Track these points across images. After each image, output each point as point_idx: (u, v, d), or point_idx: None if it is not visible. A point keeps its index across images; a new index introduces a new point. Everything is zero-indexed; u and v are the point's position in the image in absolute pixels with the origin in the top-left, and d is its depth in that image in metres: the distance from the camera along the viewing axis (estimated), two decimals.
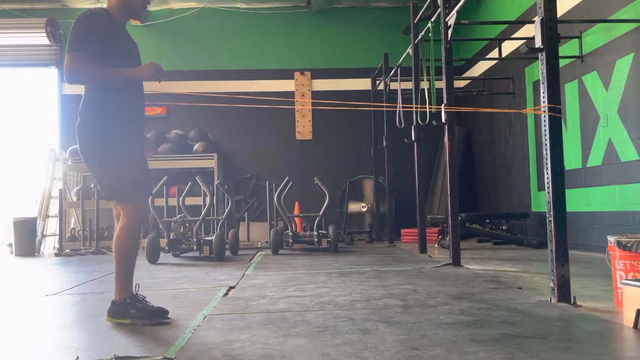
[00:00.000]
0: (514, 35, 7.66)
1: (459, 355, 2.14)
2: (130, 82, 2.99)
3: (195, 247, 6.64)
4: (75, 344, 2.56)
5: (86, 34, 2.86)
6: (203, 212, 6.96)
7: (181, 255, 6.91)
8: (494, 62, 8.69)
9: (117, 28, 3.02)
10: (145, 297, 3.02)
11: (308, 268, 5.37)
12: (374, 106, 9.22)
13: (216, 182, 8.19)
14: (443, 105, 5.22)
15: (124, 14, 3.08)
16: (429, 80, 5.92)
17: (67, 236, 8.88)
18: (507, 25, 8.04)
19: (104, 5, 3.16)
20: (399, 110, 7.46)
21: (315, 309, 3.16)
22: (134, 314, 2.88)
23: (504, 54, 7.59)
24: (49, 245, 9.30)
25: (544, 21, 3.19)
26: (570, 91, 6.61)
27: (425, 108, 5.92)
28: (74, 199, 9.22)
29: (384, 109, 8.35)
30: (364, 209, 9.79)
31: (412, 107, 6.53)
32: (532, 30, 3.36)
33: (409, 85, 6.88)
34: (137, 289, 2.99)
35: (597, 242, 6.04)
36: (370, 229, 9.19)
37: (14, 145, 10.54)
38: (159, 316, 2.92)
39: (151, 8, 10.31)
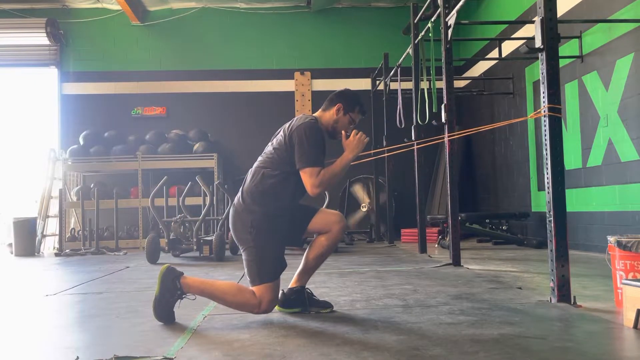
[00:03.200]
0: (514, 35, 7.66)
1: (459, 355, 2.14)
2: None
3: (195, 247, 6.64)
4: (75, 344, 2.56)
5: (319, 148, 3.05)
6: (203, 212, 6.95)
7: (181, 255, 6.91)
8: (494, 62, 8.69)
9: (325, 140, 3.18)
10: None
11: None
12: (374, 106, 9.23)
13: (216, 182, 8.19)
14: (443, 105, 5.22)
15: (326, 129, 3.24)
16: (429, 80, 5.92)
17: (67, 236, 8.88)
18: (507, 25, 8.04)
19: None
20: (399, 110, 7.46)
21: None
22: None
23: (504, 54, 7.59)
24: (49, 245, 9.30)
25: (544, 21, 3.19)
26: (570, 91, 6.61)
27: (425, 108, 5.92)
28: (74, 199, 9.23)
29: (384, 109, 8.34)
30: (364, 209, 9.79)
31: (411, 108, 6.53)
32: (532, 30, 3.36)
33: (409, 85, 6.88)
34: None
35: (597, 242, 6.04)
36: (370, 229, 9.19)
37: (14, 145, 10.55)
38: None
39: (151, 8, 10.32)
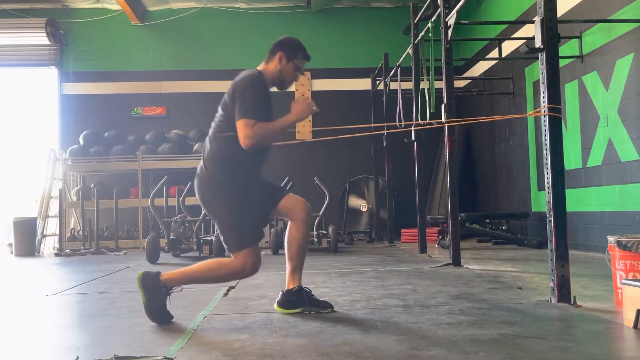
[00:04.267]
0: (514, 35, 7.66)
1: (459, 355, 2.14)
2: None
3: (195, 247, 6.64)
4: (75, 344, 2.56)
5: (256, 99, 2.95)
6: (203, 212, 6.94)
7: (181, 255, 6.91)
8: (494, 62, 8.69)
9: (269, 93, 3.11)
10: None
11: (308, 268, 5.35)
12: (374, 106, 9.23)
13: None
14: (443, 105, 5.22)
15: (273, 82, 3.17)
16: (429, 80, 5.92)
17: (67, 236, 8.88)
18: (507, 25, 8.04)
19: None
20: (399, 110, 7.46)
21: None
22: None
23: (504, 54, 7.58)
24: (49, 245, 9.30)
25: (544, 21, 3.19)
26: (570, 91, 6.61)
27: (426, 109, 5.92)
28: (74, 199, 9.23)
29: (384, 109, 8.35)
30: (364, 209, 9.79)
31: (411, 108, 6.53)
32: (532, 30, 3.36)
33: (409, 85, 6.87)
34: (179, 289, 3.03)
35: (597, 242, 6.04)
36: (370, 229, 9.19)
37: (14, 146, 10.55)
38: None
39: (151, 8, 10.32)
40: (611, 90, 5.85)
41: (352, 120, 10.05)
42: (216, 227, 3.03)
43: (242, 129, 2.87)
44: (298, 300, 3.07)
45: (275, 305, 3.11)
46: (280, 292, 3.10)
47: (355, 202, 9.83)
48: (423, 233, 6.63)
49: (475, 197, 9.97)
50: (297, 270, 3.11)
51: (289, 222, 3.11)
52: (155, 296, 2.89)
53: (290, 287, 3.09)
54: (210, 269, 2.97)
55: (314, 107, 3.07)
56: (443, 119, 5.22)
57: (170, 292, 2.93)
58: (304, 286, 3.12)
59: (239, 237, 2.94)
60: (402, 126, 7.40)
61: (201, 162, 3.03)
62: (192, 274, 2.97)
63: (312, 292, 3.16)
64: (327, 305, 3.11)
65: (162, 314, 2.92)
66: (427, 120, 6.08)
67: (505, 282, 4.06)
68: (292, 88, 10.32)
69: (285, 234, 3.14)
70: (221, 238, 3.00)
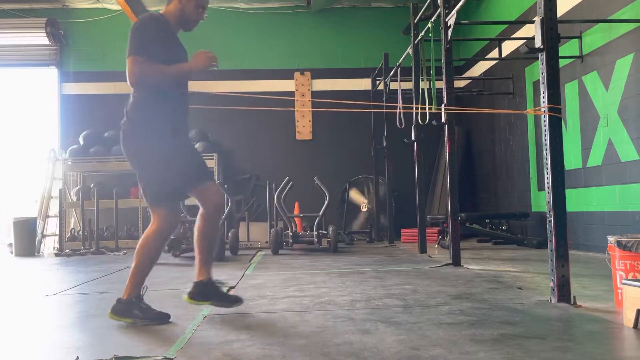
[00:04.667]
0: (514, 35, 7.66)
1: (459, 355, 2.14)
2: (178, 82, 3.06)
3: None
4: (75, 344, 2.56)
5: (147, 37, 2.92)
6: None
7: (181, 255, 6.90)
8: (494, 62, 8.69)
9: (170, 35, 3.08)
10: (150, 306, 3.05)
11: (308, 268, 5.37)
12: (374, 106, 9.23)
13: (216, 182, 8.18)
14: (443, 105, 5.22)
15: (177, 23, 3.14)
16: (429, 80, 5.92)
17: (67, 236, 8.88)
18: (507, 25, 8.04)
19: (155, 10, 3.20)
20: (399, 110, 7.46)
21: (315, 309, 3.16)
22: (137, 315, 2.90)
23: (504, 54, 7.59)
24: (49, 245, 9.29)
25: (544, 21, 3.19)
26: (570, 91, 6.61)
27: (425, 108, 5.92)
28: (74, 199, 9.23)
29: (384, 109, 8.35)
30: (364, 209, 9.79)
31: (411, 108, 6.53)
32: (532, 30, 3.36)
33: (409, 85, 6.88)
34: (144, 290, 3.00)
35: (597, 242, 6.04)
36: (370, 229, 9.19)
37: (14, 145, 10.55)
38: (161, 319, 2.93)
39: (151, 8, 10.31)
40: (611, 90, 5.85)
41: (352, 120, 10.10)
42: (139, 181, 3.01)
43: (128, 66, 2.87)
44: (207, 293, 3.03)
45: (185, 296, 3.09)
46: (192, 284, 3.08)
47: (356, 197, 9.84)
48: (423, 233, 6.63)
49: (475, 197, 9.97)
50: (205, 262, 3.07)
51: (199, 210, 3.07)
52: (133, 312, 2.89)
53: (199, 279, 3.05)
54: (141, 250, 2.95)
55: (214, 62, 3.01)
56: (443, 119, 5.23)
57: (141, 297, 2.94)
58: (215, 279, 3.08)
59: (158, 191, 2.93)
60: (402, 126, 7.40)
61: (124, 116, 2.99)
62: (135, 268, 2.95)
63: (221, 286, 3.12)
64: (237, 300, 3.08)
65: (156, 316, 2.92)
66: (428, 121, 6.08)
67: (505, 282, 4.06)
68: (292, 88, 10.45)
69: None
70: (141, 190, 3.01)
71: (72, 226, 9.55)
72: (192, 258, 6.86)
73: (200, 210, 3.07)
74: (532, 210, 7.72)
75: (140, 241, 2.99)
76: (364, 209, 9.79)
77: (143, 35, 2.93)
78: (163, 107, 2.96)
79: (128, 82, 2.88)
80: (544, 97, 3.22)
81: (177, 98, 3.06)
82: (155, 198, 2.96)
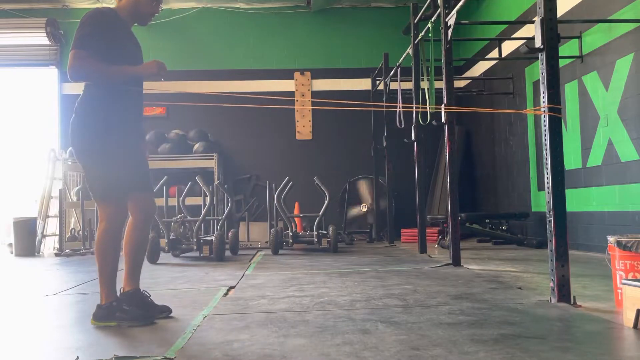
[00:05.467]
0: (514, 35, 7.66)
1: (459, 355, 2.14)
2: (130, 80, 2.97)
3: (195, 247, 6.64)
4: (75, 344, 2.56)
5: (91, 32, 2.87)
6: (203, 212, 6.95)
7: (181, 255, 6.91)
8: (494, 62, 8.69)
9: (122, 29, 3.02)
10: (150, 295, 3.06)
11: (308, 268, 5.37)
12: (374, 106, 9.24)
13: (216, 182, 8.19)
14: (443, 105, 5.22)
15: (131, 17, 3.08)
16: (429, 80, 5.92)
17: (67, 236, 8.88)
18: (507, 25, 8.04)
19: (111, 5, 3.17)
20: (399, 110, 7.46)
21: (315, 309, 3.16)
22: (120, 317, 2.87)
23: (504, 54, 7.59)
24: (49, 245, 9.29)
25: (544, 21, 3.19)
26: (570, 91, 6.61)
27: (426, 108, 5.92)
28: (74, 199, 9.22)
29: (384, 109, 8.36)
30: (364, 209, 9.79)
31: (412, 108, 6.53)
32: (532, 30, 3.36)
33: (409, 85, 6.88)
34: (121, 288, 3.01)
35: (597, 242, 6.04)
36: (370, 229, 9.19)
37: (14, 146, 10.55)
38: (146, 319, 2.91)
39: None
40: (611, 90, 5.85)
41: (352, 120, 10.10)
42: (86, 177, 3.01)
43: (69, 60, 2.83)
44: (134, 303, 2.94)
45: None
46: (119, 291, 3.00)
47: (356, 197, 9.84)
48: (423, 233, 6.63)
49: (475, 197, 9.97)
50: (133, 272, 3.02)
51: (129, 220, 3.04)
52: (115, 315, 2.88)
53: (126, 290, 2.99)
54: (97, 252, 2.94)
55: (163, 72, 2.94)
56: (443, 119, 5.23)
57: (121, 299, 2.93)
58: (142, 289, 3.04)
59: (105, 186, 2.90)
60: (402, 126, 7.40)
61: (74, 110, 2.96)
62: (100, 271, 2.93)
63: (150, 297, 3.07)
64: (165, 310, 3.03)
65: (137, 316, 2.89)
66: (428, 121, 6.08)
67: (505, 282, 4.06)
68: (292, 88, 10.46)
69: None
70: (88, 187, 3.00)
71: (72, 226, 9.55)
72: (192, 258, 6.89)
73: (131, 220, 3.02)
74: (532, 210, 7.72)
75: (95, 244, 2.97)
76: (364, 209, 9.79)
77: (88, 29, 2.86)
78: (113, 104, 2.91)
79: (68, 75, 2.84)
80: (544, 97, 3.22)
81: (129, 96, 2.99)
82: (101, 194, 2.91)
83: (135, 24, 3.16)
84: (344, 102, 8.66)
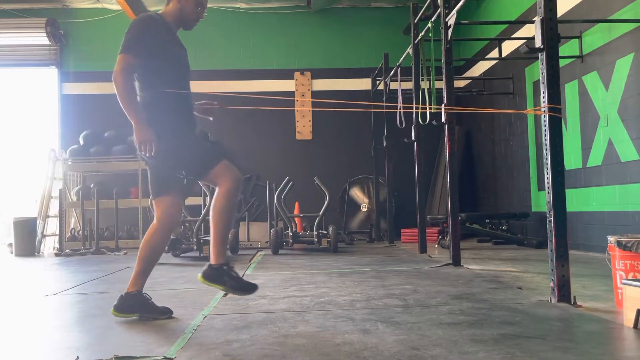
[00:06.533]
0: (514, 35, 7.66)
1: (459, 355, 2.14)
2: (179, 84, 3.07)
3: (195, 247, 6.64)
4: (75, 344, 2.56)
5: (138, 36, 2.94)
6: (203, 212, 6.95)
7: (181, 255, 6.91)
8: (494, 62, 8.69)
9: (169, 34, 3.09)
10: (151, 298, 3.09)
11: (308, 268, 5.37)
12: (374, 106, 9.24)
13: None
14: (443, 105, 5.22)
15: (176, 22, 3.15)
16: (429, 80, 5.92)
17: (67, 236, 8.88)
18: (507, 25, 8.04)
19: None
20: (399, 110, 7.46)
21: (315, 309, 3.16)
22: (143, 309, 2.97)
23: (504, 54, 7.59)
24: (49, 245, 9.30)
25: (544, 21, 3.19)
26: (570, 91, 6.61)
27: (426, 108, 5.92)
28: (74, 199, 9.23)
29: (384, 109, 8.36)
30: (364, 209, 9.79)
31: (411, 108, 6.53)
32: (532, 30, 3.37)
33: (409, 85, 6.88)
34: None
35: (597, 242, 6.04)
36: (370, 229, 9.19)
37: (14, 146, 10.55)
38: (166, 313, 3.02)
39: (151, 8, 10.31)
40: (611, 90, 5.85)
41: (352, 120, 10.10)
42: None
43: (117, 63, 2.91)
44: (222, 278, 2.96)
45: (199, 275, 3.01)
46: (208, 264, 3.02)
47: (356, 197, 9.84)
48: (423, 233, 6.63)
49: (475, 197, 9.97)
50: (220, 245, 3.02)
51: (216, 191, 3.04)
52: (135, 308, 2.97)
53: (214, 262, 2.99)
54: (143, 244, 3.02)
55: (142, 149, 2.90)
56: (443, 119, 5.23)
57: (145, 294, 3.02)
58: (230, 264, 3.03)
59: (160, 184, 3.00)
60: (402, 126, 7.40)
61: None
62: (138, 262, 3.03)
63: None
64: (250, 287, 3.05)
65: (162, 311, 3.01)
66: (428, 121, 6.08)
67: (505, 282, 4.06)
68: (292, 88, 10.46)
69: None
70: (149, 184, 3.09)
71: (72, 226, 9.56)
72: (192, 258, 6.89)
73: (217, 189, 3.02)
74: (532, 210, 7.72)
75: (144, 237, 3.06)
76: (364, 209, 9.79)
77: (135, 33, 2.95)
78: (166, 105, 3.00)
79: (112, 76, 2.92)
80: (544, 97, 3.22)
81: (180, 96, 3.07)
82: (157, 188, 3.02)
83: (181, 29, 3.21)
84: (344, 102, 8.67)
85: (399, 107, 7.44)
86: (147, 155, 2.93)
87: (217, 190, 3.02)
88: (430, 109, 5.81)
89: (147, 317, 2.97)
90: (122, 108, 2.92)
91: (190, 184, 3.12)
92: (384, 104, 8.60)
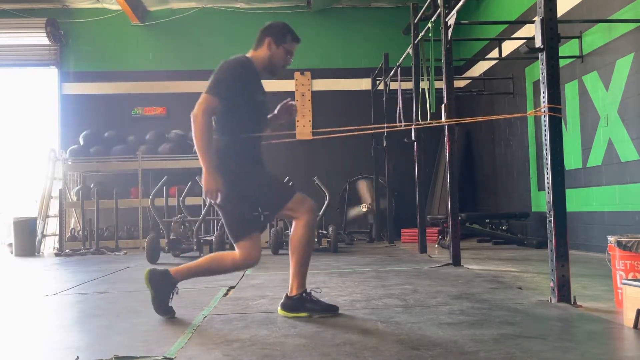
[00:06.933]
0: (514, 35, 7.66)
1: (459, 355, 2.14)
2: (258, 127, 3.08)
3: (195, 247, 6.64)
4: (75, 344, 2.56)
5: (228, 81, 2.93)
6: (203, 212, 6.95)
7: (181, 255, 6.91)
8: (494, 62, 8.69)
9: (257, 81, 3.09)
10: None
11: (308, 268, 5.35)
12: (374, 106, 9.23)
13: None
14: (443, 105, 5.22)
15: (263, 67, 3.14)
16: (429, 80, 5.92)
17: (67, 236, 8.88)
18: (507, 25, 8.04)
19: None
20: (399, 110, 7.46)
21: None
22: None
23: (504, 54, 7.59)
24: (49, 245, 9.30)
25: (544, 21, 3.19)
26: (570, 91, 6.61)
27: (426, 108, 5.92)
28: (74, 199, 9.23)
29: (384, 110, 8.35)
30: (364, 209, 9.79)
31: (411, 108, 6.53)
32: (532, 30, 3.36)
33: (409, 85, 6.88)
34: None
35: (597, 242, 6.04)
36: (370, 229, 9.19)
37: (14, 146, 10.55)
38: (168, 313, 3.02)
39: (151, 8, 10.32)
40: (611, 90, 5.85)
41: (352, 120, 10.08)
42: (221, 219, 3.11)
43: (200, 101, 2.88)
44: (301, 306, 3.00)
45: (279, 309, 3.04)
46: (285, 296, 3.05)
47: (357, 197, 9.85)
48: (423, 233, 6.63)
49: (475, 197, 9.97)
50: (301, 274, 3.05)
51: (294, 221, 3.07)
52: (164, 291, 3.00)
53: (293, 294, 3.01)
54: (213, 261, 3.05)
55: (208, 196, 2.90)
56: (443, 119, 5.23)
57: (176, 288, 3.03)
58: (307, 290, 3.05)
59: (239, 228, 2.98)
60: (403, 126, 7.40)
61: None
62: (197, 268, 3.06)
63: (316, 296, 3.09)
64: (331, 309, 3.04)
65: (167, 308, 3.02)
66: (428, 121, 6.08)
67: (505, 282, 4.06)
68: (292, 88, 10.44)
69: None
70: (226, 229, 3.08)
71: (72, 226, 9.56)
72: (192, 258, 6.88)
73: (296, 222, 3.04)
74: (532, 210, 7.72)
75: (216, 255, 3.11)
76: (364, 209, 9.79)
77: (226, 77, 2.94)
78: (241, 149, 3.00)
79: (191, 114, 2.87)
80: (544, 97, 3.22)
81: (255, 138, 3.08)
82: (236, 234, 3.00)
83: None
84: (344, 102, 8.68)
85: (398, 107, 7.43)
86: (213, 202, 2.90)
87: (295, 222, 3.03)
88: (430, 107, 5.80)
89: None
90: (197, 151, 2.89)
91: (267, 218, 3.07)
92: (384, 104, 8.59)
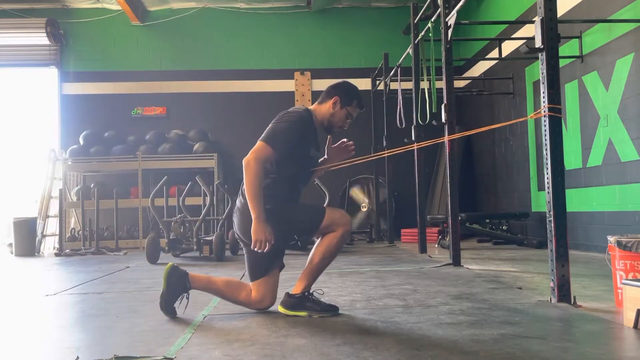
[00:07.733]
0: (514, 35, 7.66)
1: (459, 355, 2.14)
2: (298, 179, 3.09)
3: (195, 247, 6.64)
4: (75, 344, 2.56)
5: (288, 139, 2.94)
6: (203, 212, 6.95)
7: (181, 255, 6.90)
8: (494, 62, 8.69)
9: (313, 135, 3.10)
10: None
11: None
12: (374, 106, 9.22)
13: (216, 182, 8.19)
14: (443, 105, 5.22)
15: (322, 124, 3.16)
16: (429, 80, 5.92)
17: (67, 236, 8.88)
18: (507, 25, 8.04)
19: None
20: (399, 110, 7.46)
21: None
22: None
23: (504, 54, 7.59)
24: (49, 245, 9.30)
25: (544, 21, 3.19)
26: (570, 91, 6.61)
27: (426, 108, 5.92)
28: (74, 199, 9.23)
29: (384, 110, 8.35)
30: (364, 209, 9.79)
31: (411, 108, 6.53)
32: (532, 30, 3.36)
33: (409, 85, 6.88)
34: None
35: (597, 242, 6.04)
36: (370, 229, 9.19)
37: (14, 146, 10.55)
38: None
39: (151, 8, 10.32)
40: (611, 90, 5.85)
41: (352, 120, 10.08)
42: (245, 255, 3.13)
43: (255, 148, 2.91)
44: (301, 305, 3.01)
45: (280, 307, 3.06)
46: (286, 294, 3.06)
47: (356, 197, 9.84)
48: (423, 233, 6.63)
49: (475, 197, 9.97)
50: (311, 278, 3.05)
51: (330, 232, 3.01)
52: (175, 292, 2.98)
53: (298, 290, 3.02)
54: (229, 286, 3.07)
55: (257, 246, 2.86)
56: (443, 119, 5.23)
57: (187, 293, 3.02)
58: (311, 291, 3.07)
59: (261, 263, 3.01)
60: (402, 126, 7.40)
61: (240, 192, 3.07)
62: (214, 284, 3.07)
63: (318, 297, 3.10)
64: (331, 309, 3.04)
65: (172, 309, 3.01)
66: (428, 121, 6.08)
67: (505, 282, 4.06)
68: (292, 88, 10.44)
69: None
70: (246, 265, 3.10)
71: (72, 226, 9.56)
72: (192, 258, 6.88)
73: (333, 232, 2.98)
74: (532, 210, 7.72)
75: (236, 282, 3.11)
76: (364, 209, 9.78)
77: (286, 131, 2.95)
78: (285, 191, 3.03)
79: (244, 160, 2.88)
80: (544, 97, 3.22)
81: (294, 180, 3.09)
82: (256, 273, 3.03)
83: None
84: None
85: (398, 107, 7.43)
86: (260, 250, 2.87)
87: (331, 232, 3.00)
88: (430, 109, 5.80)
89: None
90: (246, 195, 2.88)
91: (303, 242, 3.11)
92: (384, 104, 8.58)
